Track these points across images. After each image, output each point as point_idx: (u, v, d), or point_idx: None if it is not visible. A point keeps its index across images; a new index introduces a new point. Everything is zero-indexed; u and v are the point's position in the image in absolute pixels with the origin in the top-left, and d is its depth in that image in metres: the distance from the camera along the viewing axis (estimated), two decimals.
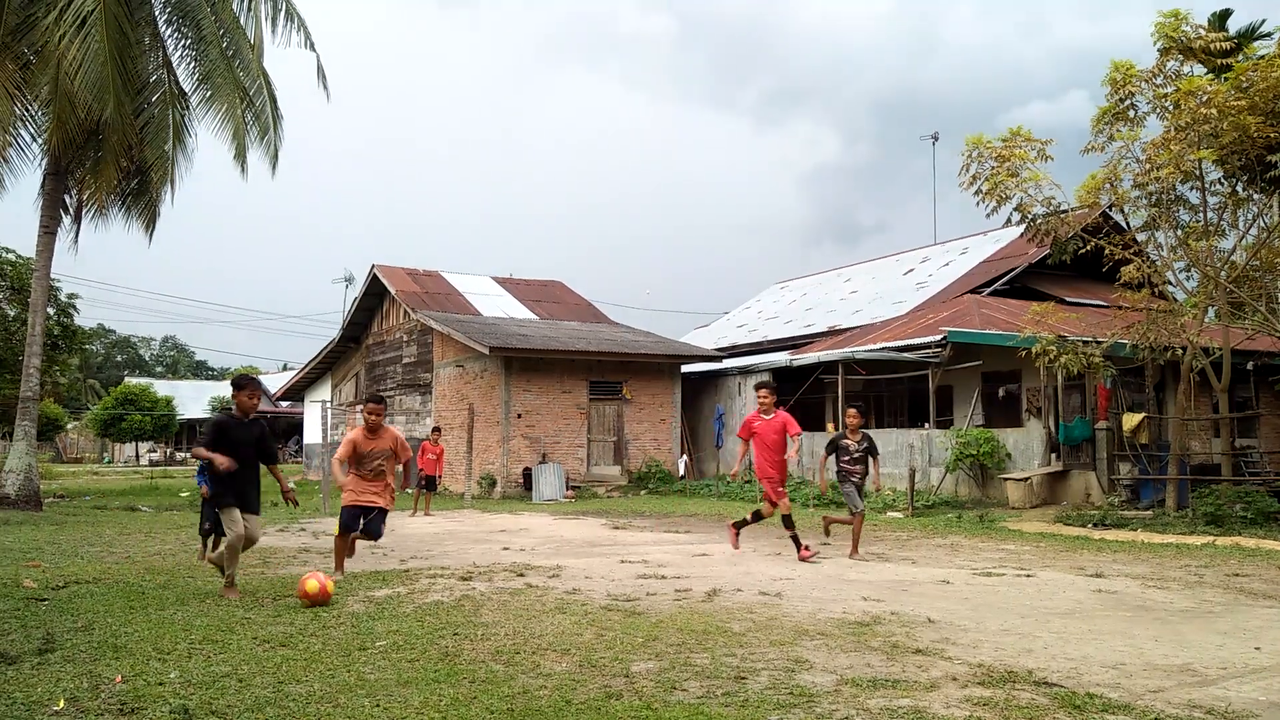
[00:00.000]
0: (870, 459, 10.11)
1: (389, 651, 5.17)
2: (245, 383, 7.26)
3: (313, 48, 17.36)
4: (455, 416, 22.81)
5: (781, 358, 22.70)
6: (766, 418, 9.74)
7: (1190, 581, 8.20)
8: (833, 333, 24.72)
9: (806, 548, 9.70)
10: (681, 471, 23.15)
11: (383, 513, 8.02)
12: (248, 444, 7.05)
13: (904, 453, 18.07)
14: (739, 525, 10.38)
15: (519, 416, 21.52)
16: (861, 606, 6.70)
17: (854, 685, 4.51)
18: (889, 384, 21.06)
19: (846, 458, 10.07)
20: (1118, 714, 4.11)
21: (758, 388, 10.02)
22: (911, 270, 28.72)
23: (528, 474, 21.01)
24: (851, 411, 10.39)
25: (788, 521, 9.71)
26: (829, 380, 20.79)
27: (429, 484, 16.30)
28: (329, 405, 22.82)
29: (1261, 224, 15.53)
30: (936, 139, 36.24)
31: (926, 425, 18.53)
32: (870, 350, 19.15)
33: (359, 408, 8.14)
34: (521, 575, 8.23)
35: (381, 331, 28.63)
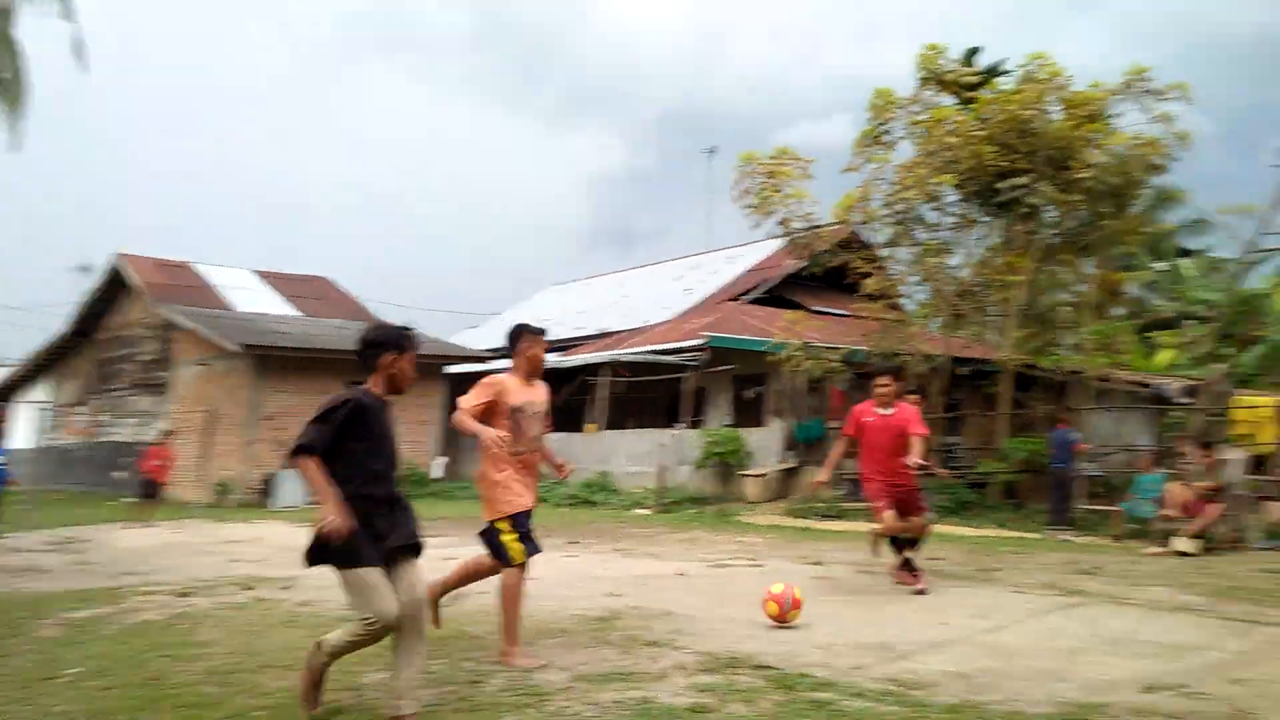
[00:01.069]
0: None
1: (82, 679, 4.69)
2: (405, 342, 4.27)
3: (71, 18, 15.49)
4: (196, 419, 21.27)
5: (551, 359, 22.79)
6: (883, 412, 7.71)
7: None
8: (604, 335, 25.08)
9: (915, 575, 7.58)
10: (438, 473, 22.73)
11: None
12: (391, 439, 4.27)
13: (656, 452, 18.66)
14: (904, 565, 7.71)
15: (268, 419, 20.34)
16: (604, 602, 6.84)
17: (587, 681, 4.59)
18: (651, 386, 21.72)
19: None
20: (824, 691, 4.41)
21: (876, 374, 7.92)
22: (682, 276, 29.72)
23: (269, 479, 19.84)
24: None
25: (899, 543, 7.60)
26: (595, 382, 21.14)
27: (150, 490, 14.99)
28: (46, 406, 20.51)
29: (986, 244, 17.34)
30: (714, 152, 37.79)
31: (679, 425, 19.26)
32: (633, 353, 19.65)
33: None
34: (249, 589, 7.68)
35: (119, 326, 26.16)
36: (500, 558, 5.03)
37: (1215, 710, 4.09)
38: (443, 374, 23.41)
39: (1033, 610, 6.55)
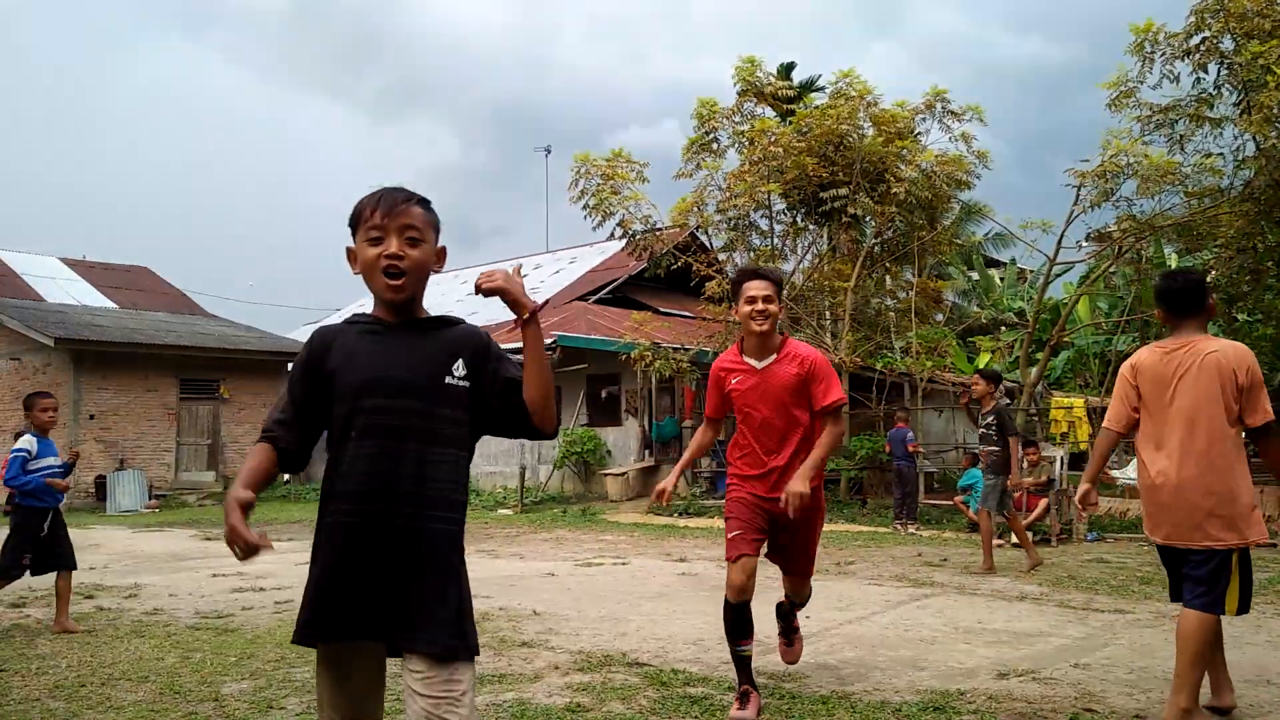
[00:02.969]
0: (1008, 440, 8.30)
1: None
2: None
3: None
4: (8, 419, 19.49)
5: None
6: (756, 363, 4.10)
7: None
8: None
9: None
10: (285, 476, 21.78)
11: None
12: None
13: (515, 451, 18.53)
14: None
15: (91, 418, 18.90)
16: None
17: None
18: None
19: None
20: (698, 686, 4.49)
21: (745, 276, 4.18)
22: (526, 276, 29.25)
23: (101, 483, 18.53)
24: (974, 377, 9.00)
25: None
26: None
27: None
28: None
29: (815, 251, 18.12)
30: (549, 152, 37.61)
31: None
32: None
33: None
34: (90, 597, 7.21)
35: None
36: None
37: (1064, 694, 4.38)
38: (288, 372, 22.47)
39: (889, 602, 6.87)
